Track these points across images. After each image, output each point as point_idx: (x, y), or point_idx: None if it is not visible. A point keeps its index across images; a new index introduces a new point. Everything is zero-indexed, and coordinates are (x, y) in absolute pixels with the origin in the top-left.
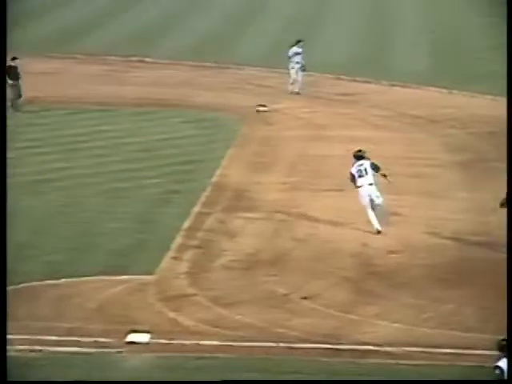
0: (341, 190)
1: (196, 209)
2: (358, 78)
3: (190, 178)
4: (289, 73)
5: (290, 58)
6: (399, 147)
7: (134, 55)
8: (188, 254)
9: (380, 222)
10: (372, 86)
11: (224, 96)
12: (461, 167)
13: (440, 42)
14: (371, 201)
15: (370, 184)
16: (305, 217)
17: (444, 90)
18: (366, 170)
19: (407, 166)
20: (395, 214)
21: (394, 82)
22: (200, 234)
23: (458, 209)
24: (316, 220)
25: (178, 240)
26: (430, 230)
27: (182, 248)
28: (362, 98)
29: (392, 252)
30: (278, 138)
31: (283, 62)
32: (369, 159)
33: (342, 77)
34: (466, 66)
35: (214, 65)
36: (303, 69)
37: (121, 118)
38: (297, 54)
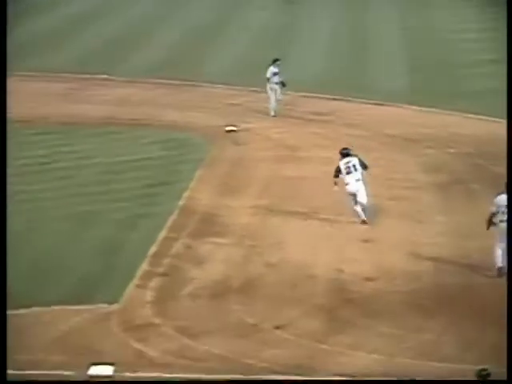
0: (315, 214)
1: (163, 234)
2: (331, 96)
3: (157, 202)
4: (268, 95)
5: (268, 79)
6: (375, 168)
7: (98, 73)
8: (154, 282)
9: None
10: (347, 105)
11: (191, 115)
12: (438, 189)
13: (418, 58)
14: (355, 196)
15: (358, 180)
16: (276, 242)
17: (422, 108)
18: (354, 166)
19: (384, 188)
20: (371, 238)
21: (370, 100)
22: (166, 261)
23: (436, 232)
24: (288, 245)
25: (144, 267)
26: (407, 255)
27: (148, 275)
28: (336, 117)
29: (368, 278)
30: (249, 160)
31: (252, 80)
32: (356, 156)
33: (315, 95)
34: (446, 84)
35: (180, 83)
36: (283, 85)
37: (85, 138)
38: (275, 74)
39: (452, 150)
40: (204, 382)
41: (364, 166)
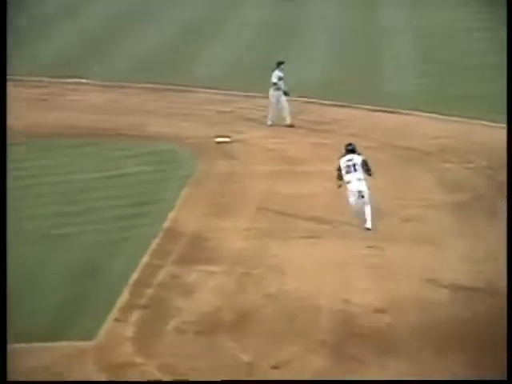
0: (318, 237)
1: (145, 260)
2: (336, 103)
3: (139, 223)
4: (271, 102)
5: (275, 84)
6: (386, 185)
7: (72, 76)
8: (135, 315)
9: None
10: (353, 112)
11: (178, 124)
12: (457, 208)
13: (432, 59)
14: (361, 196)
15: (359, 179)
16: (275, 269)
17: (437, 116)
18: (354, 166)
19: (395, 207)
20: (381, 264)
21: (379, 107)
22: (149, 291)
23: (454, 257)
24: (288, 272)
25: (124, 298)
26: (421, 283)
27: (129, 307)
28: (342, 126)
29: (378, 310)
30: (243, 175)
31: (247, 84)
32: (360, 154)
33: (318, 101)
34: (464, 88)
35: (165, 87)
36: (286, 93)
37: (58, 151)
38: (280, 79)
39: (472, 165)
40: (203, 381)
41: (367, 170)
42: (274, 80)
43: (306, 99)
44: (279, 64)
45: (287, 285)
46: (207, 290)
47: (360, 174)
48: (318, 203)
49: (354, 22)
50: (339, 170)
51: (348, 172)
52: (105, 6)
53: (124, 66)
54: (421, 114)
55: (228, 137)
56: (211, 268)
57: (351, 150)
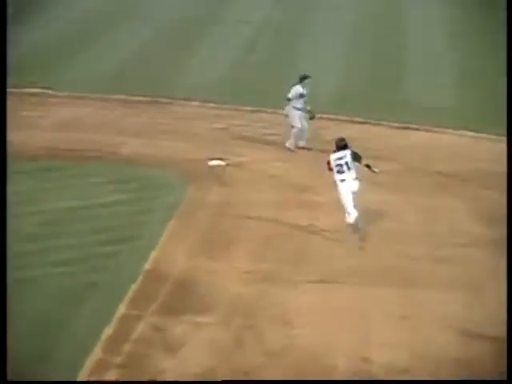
0: (331, 281)
1: (121, 309)
2: (352, 118)
3: (114, 264)
4: (289, 121)
5: (290, 100)
6: (415, 218)
7: (34, 86)
8: (110, 375)
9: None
10: (373, 129)
11: (162, 144)
12: (500, 245)
13: (469, 69)
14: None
15: (355, 179)
16: (279, 320)
17: (474, 134)
18: (347, 164)
19: (425, 245)
20: (408, 313)
21: (405, 124)
22: (127, 347)
23: (496, 304)
24: (295, 324)
25: (96, 355)
26: (455, 336)
27: (102, 366)
28: (360, 146)
29: (404, 370)
30: (241, 205)
31: (244, 96)
32: (350, 147)
33: (331, 116)
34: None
35: (145, 99)
36: (311, 116)
37: (15, 176)
38: (301, 96)
39: None
40: (203, 381)
41: (358, 159)
42: (291, 96)
43: (316, 114)
44: (303, 78)
45: (294, 340)
46: (197, 345)
47: (354, 172)
48: (332, 240)
49: (377, 20)
50: (329, 168)
51: (340, 172)
52: (74, 1)
53: (96, 73)
54: (456, 133)
55: (222, 159)
56: (202, 319)
57: (344, 146)
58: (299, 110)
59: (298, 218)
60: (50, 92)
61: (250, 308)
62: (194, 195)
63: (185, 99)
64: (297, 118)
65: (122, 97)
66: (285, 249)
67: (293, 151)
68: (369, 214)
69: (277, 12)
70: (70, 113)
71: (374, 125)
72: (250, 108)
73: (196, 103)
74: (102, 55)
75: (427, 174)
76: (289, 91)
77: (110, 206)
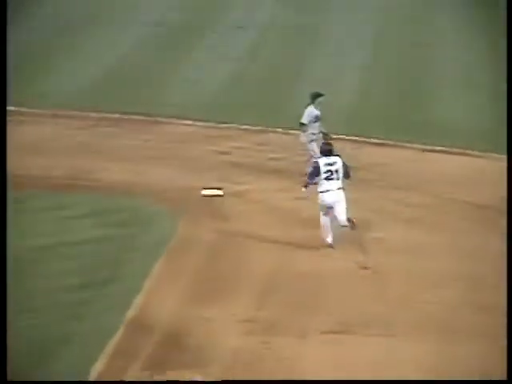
0: (346, 332)
1: (99, 365)
2: (373, 140)
3: (91, 312)
4: (308, 148)
5: (304, 125)
6: (448, 260)
7: None
8: None
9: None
10: (398, 153)
11: (148, 171)
12: None
13: (500, 89)
14: (331, 209)
15: (339, 188)
16: (287, 376)
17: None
18: (337, 171)
19: (465, 291)
20: (440, 365)
21: (434, 147)
22: None
23: None
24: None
25: None
26: None
27: None
28: (383, 174)
29: None
30: (240, 244)
31: (244, 113)
32: (339, 156)
33: (349, 138)
34: None
35: (127, 117)
36: (325, 137)
37: None
38: (316, 119)
39: None
40: (203, 381)
41: (346, 174)
42: (305, 121)
43: (333, 135)
44: (315, 97)
45: None
46: None
47: (341, 182)
48: (345, 285)
49: (397, 22)
50: (316, 173)
51: (329, 178)
52: (45, 5)
53: (72, 87)
54: (498, 157)
55: (219, 189)
56: (194, 376)
57: (330, 150)
58: (314, 134)
59: (306, 258)
60: (11, 108)
61: (251, 364)
62: (186, 230)
63: (175, 117)
64: (315, 147)
65: (102, 114)
66: (291, 293)
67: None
68: (397, 254)
69: (281, 14)
70: (36, 133)
71: (398, 147)
72: (251, 128)
73: (188, 122)
74: (79, 66)
75: (463, 207)
76: (301, 113)
77: (86, 244)
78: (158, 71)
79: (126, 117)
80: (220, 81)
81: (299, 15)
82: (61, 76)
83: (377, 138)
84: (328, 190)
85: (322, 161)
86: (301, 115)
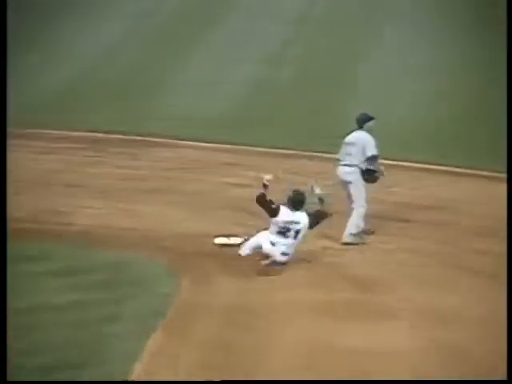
0: None
1: None
2: (442, 167)
3: None
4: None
5: (376, 158)
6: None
7: None
8: None
9: None
10: (482, 186)
11: (140, 210)
12: None
13: None
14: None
15: (284, 254)
16: None
17: None
18: (297, 233)
19: None
20: None
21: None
22: None
23: None
24: None
25: None
26: None
27: None
28: (459, 212)
29: None
30: (266, 310)
31: (270, 133)
32: (308, 214)
33: (406, 164)
34: None
35: (116, 137)
36: (371, 177)
37: None
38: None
39: None
40: (203, 381)
41: (313, 224)
42: (376, 152)
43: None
44: (364, 120)
45: None
46: None
47: (292, 245)
48: (405, 368)
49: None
50: (273, 211)
51: (281, 234)
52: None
53: (36, 98)
54: None
55: (236, 236)
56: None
57: (299, 201)
58: (369, 173)
59: (355, 332)
60: None
61: None
62: (190, 293)
63: (176, 137)
64: (364, 191)
65: (77, 133)
66: (335, 378)
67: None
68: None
69: (318, 7)
70: None
71: (478, 177)
72: (279, 151)
73: (194, 144)
74: (46, 68)
75: None
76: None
77: (58, 311)
78: (150, 72)
79: (108, 136)
80: (234, 90)
81: (338, 8)
82: (26, 81)
83: (445, 165)
84: (274, 244)
85: (284, 215)
86: (342, 136)
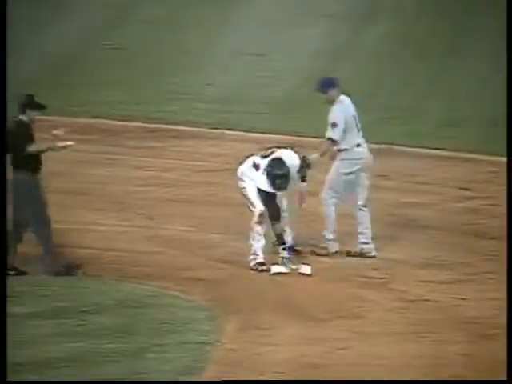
0: None
1: None
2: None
3: None
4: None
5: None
6: None
7: None
8: None
9: None
10: None
11: (161, 226)
12: None
13: None
14: None
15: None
16: None
17: None
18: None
19: None
20: None
21: None
22: None
23: None
24: None
25: None
26: None
27: None
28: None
29: None
30: (342, 364)
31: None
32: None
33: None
34: None
35: (128, 124)
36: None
37: None
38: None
39: None
40: (203, 381)
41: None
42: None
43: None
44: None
45: None
46: None
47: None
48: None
49: None
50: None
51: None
52: None
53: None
54: None
55: (306, 264)
56: None
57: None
58: None
59: None
60: None
61: None
62: (237, 343)
63: (208, 126)
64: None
65: (82, 120)
66: None
67: None
68: None
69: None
70: None
71: None
72: None
73: (242, 135)
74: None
75: None
76: None
77: (46, 369)
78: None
79: (123, 124)
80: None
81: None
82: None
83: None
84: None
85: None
86: None
